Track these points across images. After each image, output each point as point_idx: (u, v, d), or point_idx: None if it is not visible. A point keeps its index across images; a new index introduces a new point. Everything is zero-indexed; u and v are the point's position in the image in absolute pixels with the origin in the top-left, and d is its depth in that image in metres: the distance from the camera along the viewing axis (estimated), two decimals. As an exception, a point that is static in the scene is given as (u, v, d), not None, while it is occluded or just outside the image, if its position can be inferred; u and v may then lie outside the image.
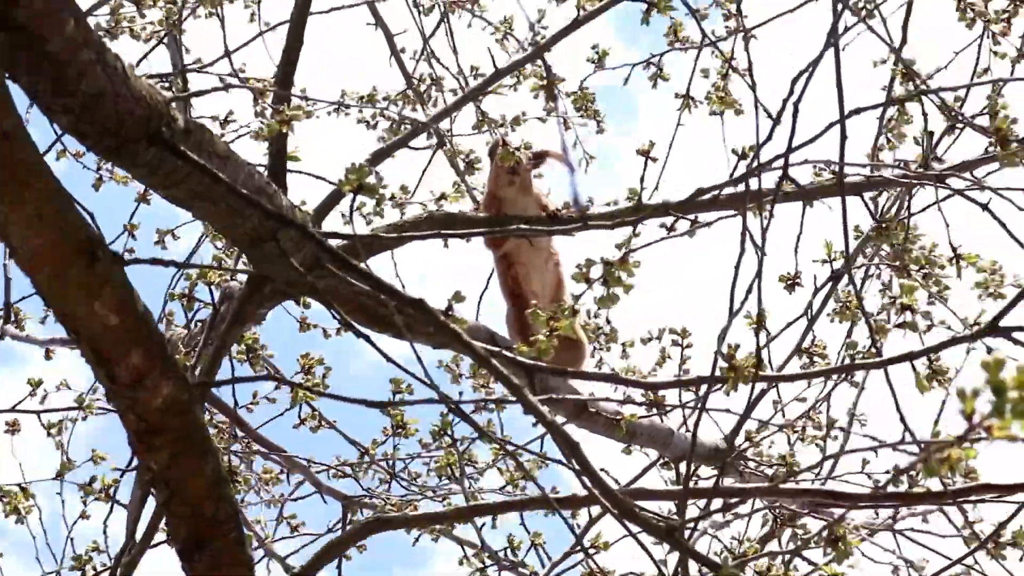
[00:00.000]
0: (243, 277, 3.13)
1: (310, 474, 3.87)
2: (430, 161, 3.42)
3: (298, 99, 2.55)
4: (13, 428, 3.78)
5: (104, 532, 3.64)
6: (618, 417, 3.32)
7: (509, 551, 3.91)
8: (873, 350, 3.02)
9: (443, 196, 3.37)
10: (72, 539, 3.60)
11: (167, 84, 3.65)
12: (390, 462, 3.79)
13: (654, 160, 3.20)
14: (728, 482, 3.54)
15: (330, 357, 3.18)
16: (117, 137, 2.28)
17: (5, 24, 2.04)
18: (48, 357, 4.06)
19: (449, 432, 3.69)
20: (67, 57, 2.13)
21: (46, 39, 2.09)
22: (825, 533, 2.60)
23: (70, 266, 2.13)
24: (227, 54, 3.69)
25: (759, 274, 2.35)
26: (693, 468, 3.56)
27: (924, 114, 3.26)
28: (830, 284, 3.32)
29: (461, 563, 3.95)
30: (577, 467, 2.19)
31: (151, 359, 2.21)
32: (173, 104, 2.29)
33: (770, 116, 2.26)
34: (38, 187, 2.09)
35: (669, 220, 2.85)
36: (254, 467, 4.04)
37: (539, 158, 3.54)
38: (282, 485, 4.09)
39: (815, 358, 3.59)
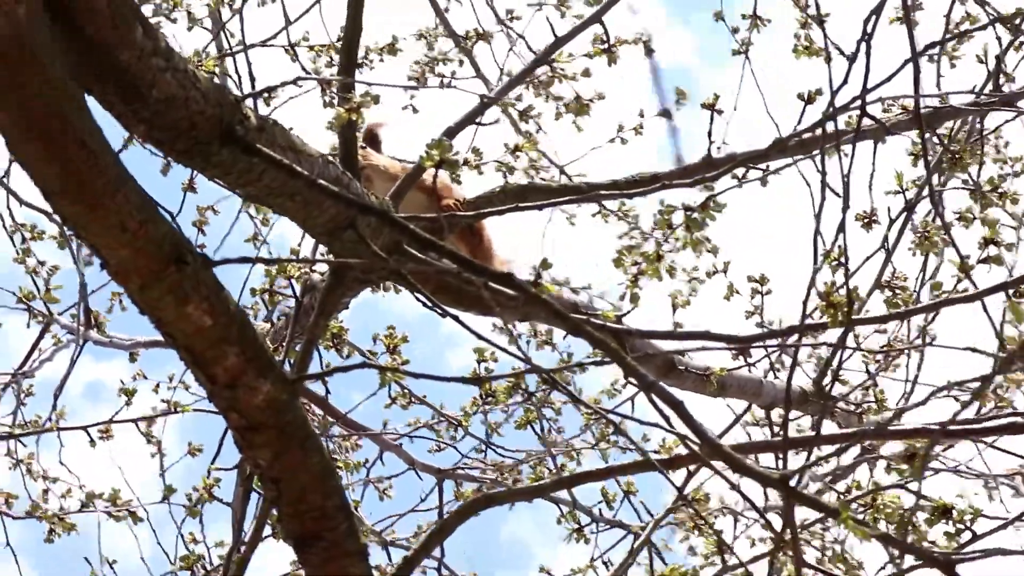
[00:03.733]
0: (321, 267, 3.14)
1: (403, 452, 3.90)
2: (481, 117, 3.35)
3: (364, 85, 2.54)
4: (107, 434, 3.85)
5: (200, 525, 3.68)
6: (707, 372, 3.31)
7: (604, 505, 3.90)
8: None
9: (517, 148, 3.33)
10: (183, 538, 3.65)
11: (213, 70, 3.65)
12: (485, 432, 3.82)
13: (719, 112, 3.18)
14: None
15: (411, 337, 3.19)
16: (190, 138, 2.28)
17: (73, 36, 2.04)
18: (133, 360, 4.13)
19: (523, 386, 3.67)
20: (136, 65, 2.13)
21: (114, 48, 2.09)
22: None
23: (160, 273, 2.14)
24: (287, 25, 3.69)
25: (843, 224, 2.33)
26: (784, 415, 3.55)
27: (999, 36, 3.21)
28: (905, 214, 3.28)
29: (559, 522, 3.94)
30: (681, 425, 2.18)
31: (248, 358, 2.22)
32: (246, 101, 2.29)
33: (843, 54, 2.23)
34: (120, 197, 2.09)
35: (743, 172, 2.83)
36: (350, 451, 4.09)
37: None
38: (378, 467, 4.12)
39: (896, 291, 3.54)
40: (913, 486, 3.09)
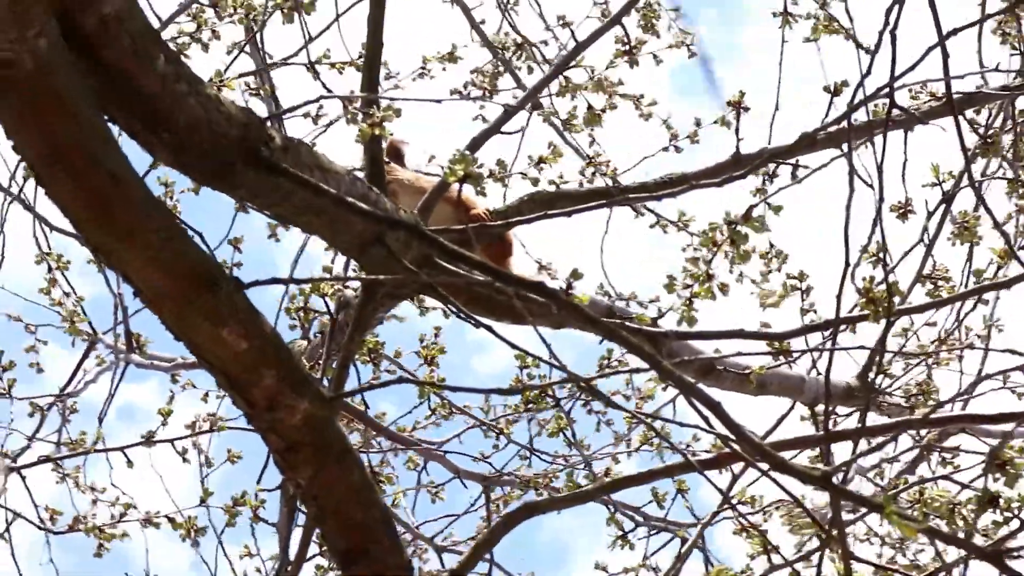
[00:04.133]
0: (355, 284, 3.15)
1: (447, 462, 3.91)
2: (527, 125, 3.35)
3: (386, 100, 2.54)
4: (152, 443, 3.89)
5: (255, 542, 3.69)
6: (747, 371, 3.29)
7: (655, 504, 3.87)
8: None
9: (542, 160, 3.30)
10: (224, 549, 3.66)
11: (255, 89, 3.68)
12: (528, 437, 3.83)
13: (746, 110, 3.17)
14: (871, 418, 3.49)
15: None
16: (215, 161, 2.29)
17: (96, 67, 2.05)
18: (174, 381, 4.17)
19: (550, 393, 3.65)
20: (160, 92, 2.14)
21: (137, 77, 2.10)
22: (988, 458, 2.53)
23: (194, 298, 2.14)
24: (307, 43, 3.71)
25: (879, 215, 2.31)
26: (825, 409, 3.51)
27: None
28: (944, 206, 3.25)
29: (608, 524, 3.92)
30: (721, 426, 2.16)
31: (285, 379, 2.23)
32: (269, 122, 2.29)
33: (865, 49, 2.21)
34: (151, 225, 2.10)
35: (772, 169, 2.82)
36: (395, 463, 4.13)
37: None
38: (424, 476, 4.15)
39: (939, 283, 3.51)
40: (966, 477, 3.06)
